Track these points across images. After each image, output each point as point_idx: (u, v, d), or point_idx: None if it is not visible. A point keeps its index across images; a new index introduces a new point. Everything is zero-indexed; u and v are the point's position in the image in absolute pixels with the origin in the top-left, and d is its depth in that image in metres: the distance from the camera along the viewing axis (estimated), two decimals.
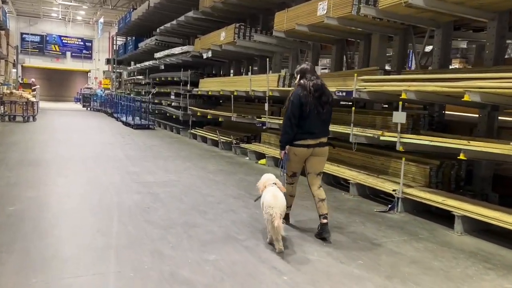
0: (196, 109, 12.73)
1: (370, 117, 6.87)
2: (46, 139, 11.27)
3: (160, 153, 9.81)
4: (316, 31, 7.70)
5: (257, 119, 9.26)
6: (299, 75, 4.42)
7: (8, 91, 19.64)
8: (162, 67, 16.45)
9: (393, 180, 6.00)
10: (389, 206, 5.47)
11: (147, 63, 19.12)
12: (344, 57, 9.14)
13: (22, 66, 37.42)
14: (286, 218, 4.39)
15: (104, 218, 4.69)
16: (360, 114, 7.27)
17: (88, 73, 39.71)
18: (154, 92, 18.02)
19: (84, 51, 36.05)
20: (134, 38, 22.08)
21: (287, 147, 4.32)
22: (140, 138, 12.65)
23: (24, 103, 16.41)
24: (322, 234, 4.23)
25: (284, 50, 10.58)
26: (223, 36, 11.07)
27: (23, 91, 26.79)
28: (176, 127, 14.69)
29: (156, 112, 16.63)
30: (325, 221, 4.23)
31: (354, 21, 6.92)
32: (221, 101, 14.28)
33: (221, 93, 10.89)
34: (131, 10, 21.73)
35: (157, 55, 17.31)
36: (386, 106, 8.23)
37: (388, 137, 5.60)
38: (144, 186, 6.28)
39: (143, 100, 17.19)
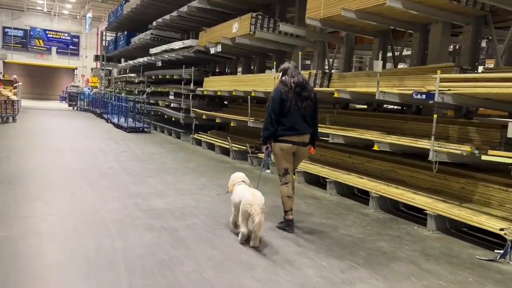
0: (201, 111, 11.16)
1: (442, 127, 5.40)
2: (25, 145, 9.56)
3: (164, 164, 8.22)
4: (365, 18, 6.21)
5: None
6: (281, 73, 4.50)
7: None
8: (159, 63, 14.82)
9: (488, 212, 4.54)
10: (499, 252, 4.00)
11: (141, 60, 17.43)
12: (391, 52, 7.65)
13: (4, 62, 35.31)
14: (289, 226, 4.44)
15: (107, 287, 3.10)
16: (423, 123, 5.81)
17: (75, 71, 37.67)
18: (149, 91, 16.35)
19: (71, 47, 33.91)
20: (126, 33, 20.35)
21: (273, 144, 4.40)
22: (136, 144, 11.02)
23: (3, 102, 14.60)
24: (286, 229, 4.43)
25: (308, 44, 9.07)
26: (235, 28, 9.51)
27: (3, 88, 24.90)
28: (176, 131, 13.08)
29: (152, 113, 15.01)
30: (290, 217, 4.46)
31: (421, 5, 5.46)
32: (225, 103, 12.72)
33: (233, 93, 9.33)
34: (123, 2, 19.99)
35: (153, 50, 15.65)
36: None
37: (495, 156, 4.12)
38: (155, 216, 4.71)
39: (138, 100, 15.52)
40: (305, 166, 7.23)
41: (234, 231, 4.29)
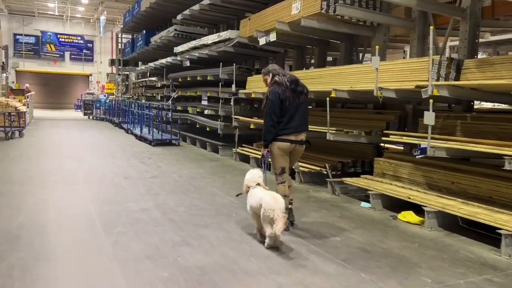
0: (249, 119, 8.81)
1: None
2: (26, 173, 7.31)
3: (214, 197, 5.88)
4: None
5: (408, 141, 5.37)
6: (271, 74, 4.48)
7: None
8: (187, 63, 12.53)
9: None
10: None
11: (163, 61, 15.19)
12: None
13: (16, 70, 33.62)
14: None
15: None
16: None
17: (90, 77, 35.81)
18: (175, 96, 14.10)
19: (84, 51, 31.86)
20: (144, 32, 18.17)
21: (271, 143, 4.34)
22: (168, 163, 8.72)
23: (7, 114, 12.51)
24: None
25: (404, 24, 6.64)
26: (297, 8, 7.12)
27: (13, 98, 23.02)
28: (212, 143, 10.74)
29: (179, 122, 12.75)
30: (290, 206, 4.45)
31: None
32: None
33: None
34: None
35: (178, 49, 13.38)
36: None
37: None
38: None
39: (164, 107, 13.28)
40: (383, 187, 5.22)
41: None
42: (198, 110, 11.85)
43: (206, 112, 11.17)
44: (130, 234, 4.12)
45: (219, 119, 10.15)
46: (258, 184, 4.10)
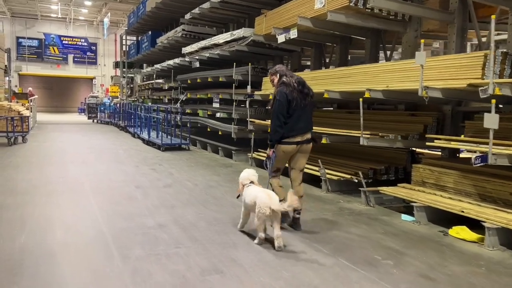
0: (267, 122, 8.22)
1: None
2: (29, 182, 6.77)
3: (235, 208, 5.27)
4: None
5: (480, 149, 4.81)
6: (278, 75, 4.47)
7: None
8: (197, 64, 11.97)
9: None
10: None
11: (170, 62, 14.65)
12: None
13: (19, 74, 33.24)
14: (284, 216, 4.30)
15: None
16: None
17: (93, 80, 35.36)
18: (184, 98, 13.55)
19: (88, 53, 31.38)
20: (150, 33, 17.66)
21: (276, 145, 4.35)
22: (180, 170, 8.16)
23: (10, 119, 11.98)
24: (293, 227, 4.41)
25: (441, 17, 6.07)
26: (321, 2, 6.57)
27: (17, 102, 22.54)
28: (225, 148, 10.18)
29: (189, 126, 12.20)
30: (298, 216, 4.42)
31: None
32: None
33: (326, 95, 6.34)
34: None
35: (186, 49, 12.85)
36: None
37: None
38: None
39: (172, 110, 12.73)
40: (428, 198, 4.55)
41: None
42: (209, 113, 11.30)
43: (218, 115, 10.62)
44: (150, 259, 3.55)
45: (232, 122, 9.59)
46: (252, 182, 4.17)
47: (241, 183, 4.22)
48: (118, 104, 21.88)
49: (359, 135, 5.56)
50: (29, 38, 32.97)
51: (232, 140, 9.95)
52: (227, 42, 10.25)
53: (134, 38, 22.83)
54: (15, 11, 31.65)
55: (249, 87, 8.82)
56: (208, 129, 11.20)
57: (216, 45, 10.86)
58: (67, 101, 35.35)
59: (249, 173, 4.26)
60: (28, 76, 33.58)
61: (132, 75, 23.49)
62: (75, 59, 34.46)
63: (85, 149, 11.03)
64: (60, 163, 8.70)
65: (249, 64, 8.95)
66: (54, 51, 30.59)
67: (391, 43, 7.89)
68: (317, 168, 6.59)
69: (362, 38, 7.71)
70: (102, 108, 23.80)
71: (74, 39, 30.00)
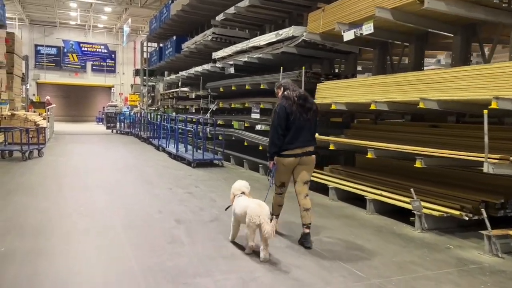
0: (329, 138, 6.82)
1: None
2: (45, 213, 5.47)
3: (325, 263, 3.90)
4: None
5: None
6: (282, 88, 4.55)
7: (9, 113, 14.24)
8: (231, 70, 10.67)
9: None
10: None
11: (198, 69, 13.42)
12: None
13: (37, 82, 32.56)
14: None
15: None
16: None
17: (112, 89, 34.50)
18: (214, 108, 12.26)
19: (108, 61, 30.43)
20: (175, 38, 16.50)
21: (275, 158, 4.36)
22: (221, 194, 6.77)
23: (24, 131, 10.82)
24: (303, 243, 4.25)
25: None
26: None
27: (34, 111, 21.62)
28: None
29: (220, 138, 10.88)
30: (307, 230, 4.28)
31: None
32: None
33: (421, 106, 4.90)
34: (170, 2, 16.27)
35: (218, 54, 11.61)
36: None
37: None
38: None
39: (201, 121, 11.43)
40: None
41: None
42: (246, 124, 9.95)
43: (258, 127, 9.25)
44: None
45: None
46: (243, 193, 4.17)
47: (233, 193, 4.24)
48: (138, 114, 20.78)
49: (482, 159, 4.11)
50: (47, 46, 32.29)
51: None
52: (270, 44, 8.94)
53: (156, 44, 21.80)
54: (33, 18, 31.05)
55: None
56: (245, 143, 9.84)
57: (256, 48, 9.56)
58: (84, 110, 34.52)
59: (241, 184, 4.28)
60: (46, 84, 32.87)
61: (153, 83, 22.39)
62: (94, 67, 33.66)
63: (107, 165, 9.76)
64: (81, 185, 7.42)
65: (302, 68, 7.56)
66: (73, 59, 29.71)
67: (487, 40, 6.44)
68: (406, 199, 5.15)
69: (449, 35, 6.28)
70: (121, 117, 22.76)
71: (93, 46, 29.04)
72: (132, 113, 22.20)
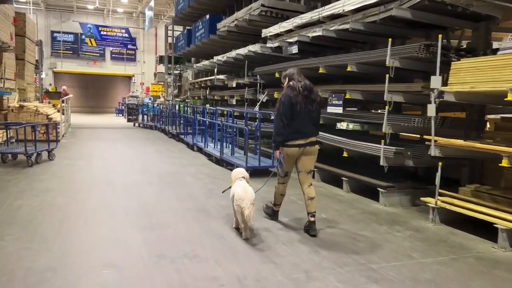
0: (475, 145, 4.33)
1: None
2: (43, 283, 3.12)
3: None
4: None
5: None
6: (287, 78, 4.58)
7: (17, 105, 12.09)
8: (293, 49, 8.18)
9: None
10: None
11: (241, 52, 10.98)
12: None
13: (53, 72, 30.64)
14: (275, 215, 4.79)
15: None
16: None
17: (132, 78, 32.39)
18: (265, 100, 9.82)
19: (129, 46, 28.05)
20: (208, 17, 14.07)
21: (280, 148, 4.42)
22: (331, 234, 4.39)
23: (31, 128, 8.59)
24: (309, 231, 4.33)
25: None
26: None
27: (48, 102, 19.56)
28: (360, 180, 6.30)
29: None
30: (312, 219, 4.37)
31: None
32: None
33: None
34: None
35: (271, 30, 9.20)
36: None
37: None
38: None
39: (255, 116, 9.02)
40: None
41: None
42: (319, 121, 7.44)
43: (340, 125, 6.77)
44: None
45: (382, 141, 5.71)
46: (243, 177, 4.35)
47: (234, 177, 4.38)
48: (162, 105, 18.52)
49: None
50: (64, 33, 30.28)
51: (368, 167, 6.15)
52: (357, 10, 6.43)
53: (181, 29, 19.45)
54: (49, 2, 29.01)
55: (436, 78, 4.89)
56: (318, 147, 7.35)
57: (332, 18, 7.07)
58: (103, 101, 32.55)
59: (240, 170, 4.48)
60: (63, 73, 30.95)
61: (180, 71, 20.06)
62: (113, 55, 31.56)
63: (137, 175, 7.43)
64: (104, 214, 5.08)
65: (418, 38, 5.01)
66: (91, 44, 27.42)
67: None
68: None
69: None
70: (144, 109, 20.57)
71: (113, 30, 26.62)
72: (155, 105, 19.97)
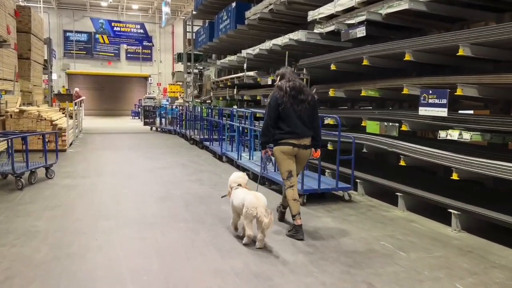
0: None
1: None
2: None
3: None
4: None
5: None
6: (278, 78, 4.49)
7: (16, 110, 10.40)
8: (359, 32, 6.18)
9: None
10: None
11: (278, 42, 9.03)
12: None
13: (66, 73, 29.24)
14: (298, 231, 4.20)
15: None
16: None
17: (149, 79, 30.78)
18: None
19: (144, 42, 26.30)
20: (234, 5, 12.17)
21: (274, 148, 4.35)
22: None
23: (22, 139, 6.80)
24: (294, 236, 4.18)
25: None
26: None
27: (58, 105, 17.96)
28: (477, 214, 4.29)
29: (330, 147, 6.52)
30: (299, 222, 4.25)
31: None
32: None
33: None
34: None
35: (322, 11, 7.22)
36: None
37: None
38: None
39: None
40: None
41: (235, 234, 4.17)
42: (404, 127, 5.41)
43: (450, 135, 4.72)
44: None
45: None
46: (240, 185, 4.18)
47: (230, 184, 4.24)
48: (181, 107, 16.73)
49: None
50: (77, 32, 28.82)
51: (425, 179, 4.16)
52: None
53: (201, 23, 17.64)
54: (61, 1, 27.58)
55: None
56: (403, 163, 5.35)
57: None
58: (118, 103, 31.04)
59: (237, 176, 4.30)
60: (77, 75, 29.52)
61: (201, 69, 18.22)
62: (128, 55, 29.98)
63: (156, 205, 5.55)
64: (113, 270, 3.21)
65: None
66: (104, 41, 25.75)
67: None
68: None
69: None
70: (162, 112, 18.83)
71: (127, 26, 24.73)
72: (174, 107, 18.19)
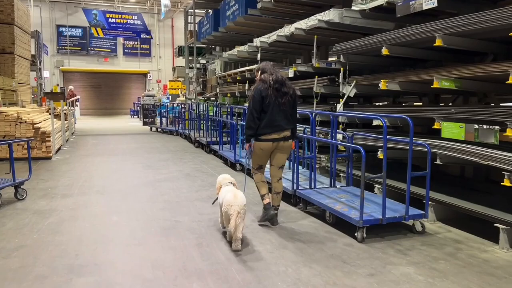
0: None
1: None
2: None
3: None
4: None
5: None
6: (260, 71, 4.49)
7: None
8: (430, 1, 4.61)
9: None
10: None
11: (301, 25, 7.43)
12: None
13: (60, 70, 27.65)
14: (267, 211, 4.38)
15: None
16: None
17: (148, 75, 29.16)
18: (352, 94, 6.23)
19: (142, 35, 24.59)
20: None
21: (253, 142, 4.35)
22: None
23: None
24: (271, 222, 4.36)
25: None
26: None
27: (48, 105, 16.36)
28: None
29: (379, 156, 4.97)
30: (275, 211, 4.41)
31: None
32: None
33: None
34: None
35: None
36: None
37: None
38: None
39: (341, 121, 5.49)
40: None
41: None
42: (509, 132, 3.83)
43: None
44: None
45: None
46: (231, 182, 4.14)
47: (219, 183, 4.18)
48: (182, 105, 15.14)
49: None
50: (71, 27, 27.20)
51: None
52: None
53: (203, 13, 16.01)
54: None
55: None
56: (507, 182, 3.76)
57: None
58: (116, 101, 29.46)
59: (225, 177, 4.24)
60: (71, 72, 27.92)
61: (204, 63, 16.61)
62: (125, 51, 28.37)
63: (158, 239, 3.97)
64: None
65: None
66: (98, 33, 24.01)
67: None
68: None
69: None
70: (162, 110, 17.26)
71: (123, 17, 22.92)
72: (176, 105, 16.59)
